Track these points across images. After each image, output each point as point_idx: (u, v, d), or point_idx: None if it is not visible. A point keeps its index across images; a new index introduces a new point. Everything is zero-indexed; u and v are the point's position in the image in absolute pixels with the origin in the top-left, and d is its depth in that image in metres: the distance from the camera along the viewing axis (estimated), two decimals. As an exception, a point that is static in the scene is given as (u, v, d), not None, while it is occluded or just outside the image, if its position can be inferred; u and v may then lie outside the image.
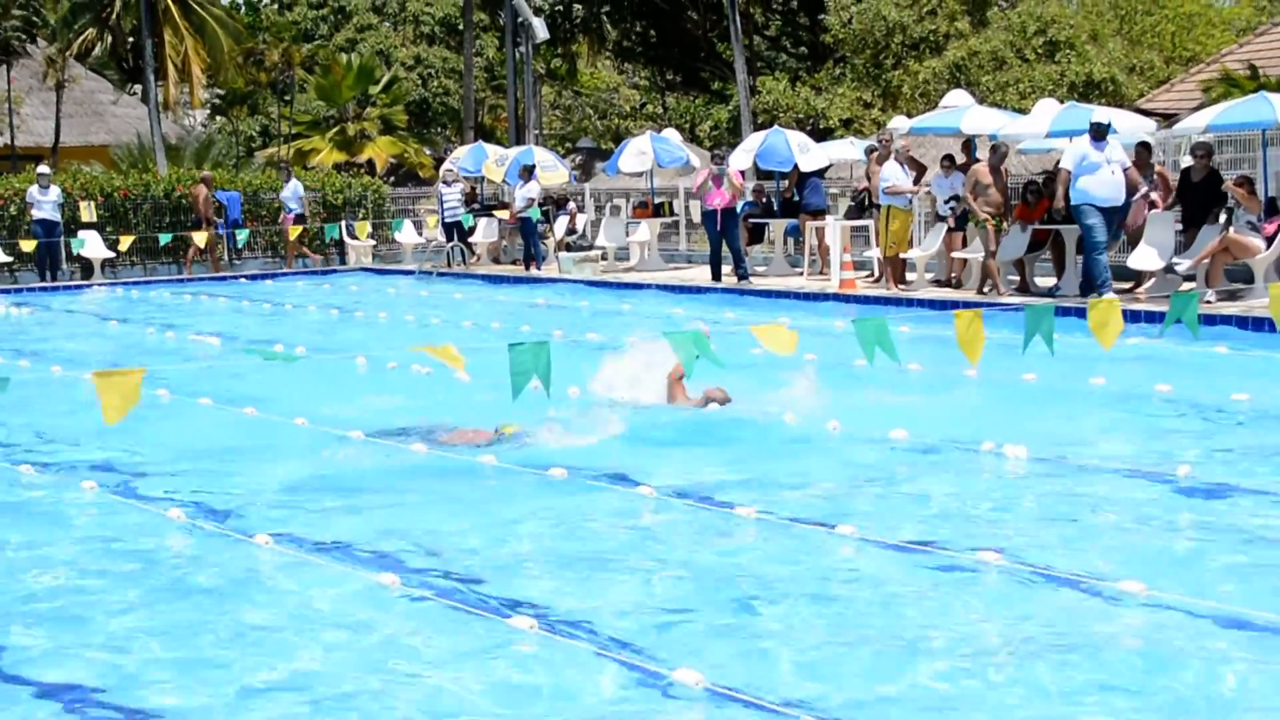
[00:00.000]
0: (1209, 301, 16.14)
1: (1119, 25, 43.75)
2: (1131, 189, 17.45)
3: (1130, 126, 19.57)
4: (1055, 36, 37.39)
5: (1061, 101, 23.06)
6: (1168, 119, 24.91)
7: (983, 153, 20.06)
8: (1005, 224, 18.84)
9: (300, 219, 28.69)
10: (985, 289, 18.89)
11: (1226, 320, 15.52)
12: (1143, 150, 18.59)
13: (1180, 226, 17.97)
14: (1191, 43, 44.31)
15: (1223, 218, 17.43)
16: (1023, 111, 24.70)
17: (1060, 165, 17.58)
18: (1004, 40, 37.37)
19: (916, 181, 20.69)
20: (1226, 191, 17.34)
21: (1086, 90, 35.35)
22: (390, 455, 10.13)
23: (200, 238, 27.69)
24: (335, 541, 7.96)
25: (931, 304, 18.56)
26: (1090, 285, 17.10)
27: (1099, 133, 17.21)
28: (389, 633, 6.40)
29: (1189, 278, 17.62)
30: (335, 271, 29.19)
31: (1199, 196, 17.70)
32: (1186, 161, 18.22)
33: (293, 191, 28.84)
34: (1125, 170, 17.20)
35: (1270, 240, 16.99)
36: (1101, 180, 16.96)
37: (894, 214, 19.87)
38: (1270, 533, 7.75)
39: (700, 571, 7.24)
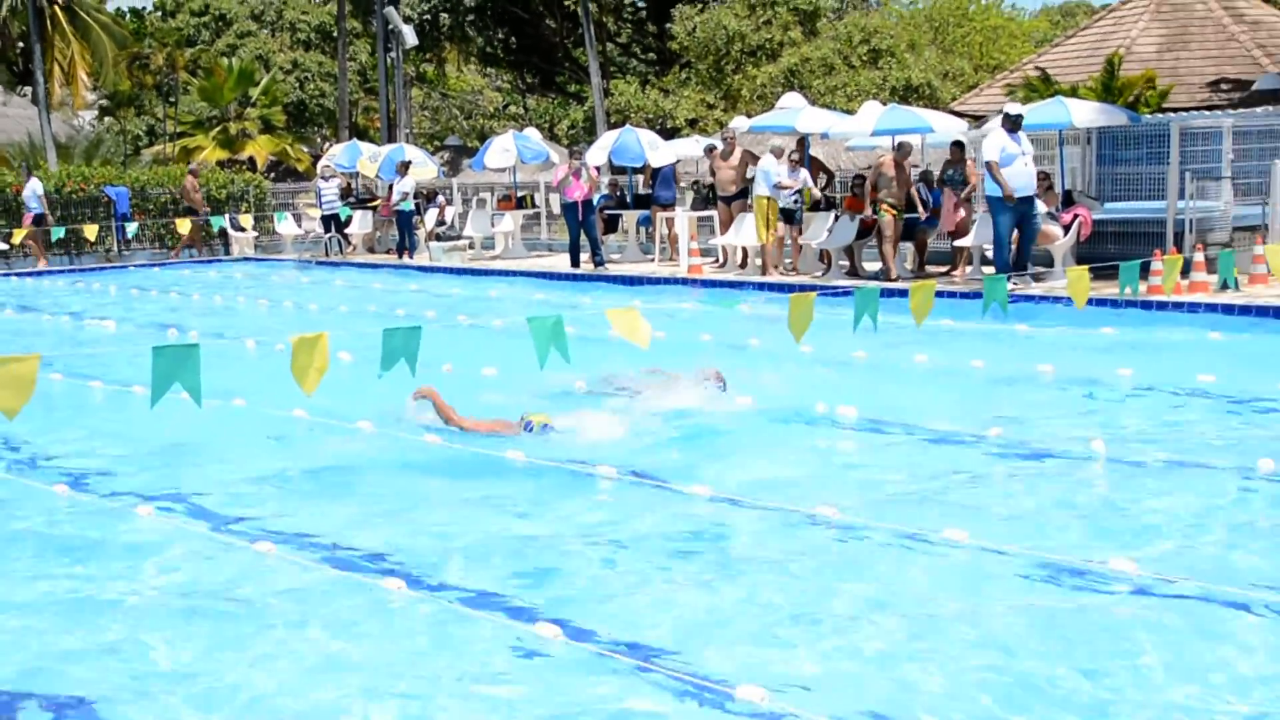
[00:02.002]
0: (1014, 284, 16.48)
1: (933, 36, 44.56)
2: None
3: (945, 126, 19.89)
4: (878, 45, 37.95)
5: (884, 104, 23.40)
6: (977, 120, 25.38)
7: (816, 150, 20.20)
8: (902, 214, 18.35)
9: (39, 219, 26.86)
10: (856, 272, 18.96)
11: (1029, 299, 15.88)
12: (956, 149, 18.88)
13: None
14: (997, 52, 45.29)
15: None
16: (850, 112, 25.01)
17: (985, 158, 16.62)
18: (832, 49, 37.83)
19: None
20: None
21: (906, 94, 35.96)
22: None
23: (184, 225, 27.84)
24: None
25: (782, 288, 18.71)
26: (1021, 265, 16.66)
27: (1015, 124, 16.57)
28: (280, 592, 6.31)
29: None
30: (220, 261, 28.60)
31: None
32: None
33: (31, 191, 26.96)
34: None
35: (1067, 228, 17.44)
36: (1016, 171, 16.39)
37: (772, 206, 19.48)
38: (1070, 482, 7.97)
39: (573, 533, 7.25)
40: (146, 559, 6.93)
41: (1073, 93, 24.52)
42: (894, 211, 18.25)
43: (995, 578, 6.27)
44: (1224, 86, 27.21)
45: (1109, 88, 25.54)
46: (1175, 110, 24.28)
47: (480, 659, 5.45)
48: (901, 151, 18.63)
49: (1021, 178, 16.45)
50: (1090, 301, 14.28)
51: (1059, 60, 30.24)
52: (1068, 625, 5.63)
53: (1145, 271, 14.90)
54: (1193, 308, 14.79)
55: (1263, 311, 14.38)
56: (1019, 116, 16.72)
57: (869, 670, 5.27)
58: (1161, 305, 14.84)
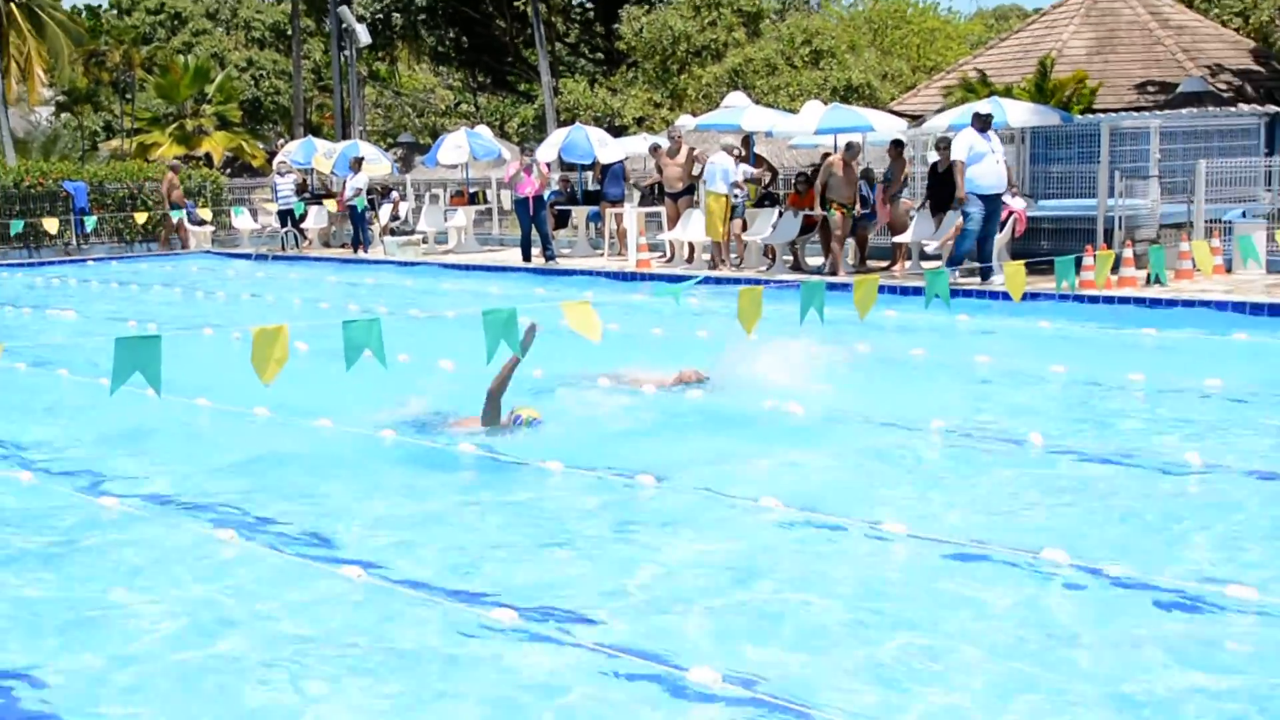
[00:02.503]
0: (953, 278, 16.58)
1: (873, 37, 44.69)
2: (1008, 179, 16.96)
3: (885, 126, 19.98)
4: (819, 46, 38.05)
5: (826, 103, 23.49)
6: (916, 119, 25.54)
7: (760, 147, 20.21)
8: (855, 211, 18.37)
9: None
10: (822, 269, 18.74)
11: (968, 294, 16.01)
12: (894, 148, 18.98)
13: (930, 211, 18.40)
14: (934, 54, 45.49)
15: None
16: (793, 111, 25.07)
17: (953, 157, 16.51)
18: (775, 49, 37.89)
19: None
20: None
21: (846, 94, 36.06)
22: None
23: (148, 218, 28.17)
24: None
25: (737, 281, 18.70)
26: (956, 261, 16.59)
27: (985, 123, 16.43)
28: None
29: (936, 256, 18.11)
30: (178, 255, 28.31)
31: (945, 184, 18.08)
32: (933, 156, 18.57)
33: None
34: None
35: (1002, 225, 17.55)
36: (986, 169, 16.25)
37: (727, 203, 19.42)
38: (1009, 474, 8.04)
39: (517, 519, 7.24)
40: (108, 546, 6.87)
41: (1007, 93, 24.72)
42: (844, 210, 18.29)
43: (928, 566, 6.32)
44: (1150, 89, 27.53)
45: (1041, 89, 25.78)
46: (1104, 111, 24.53)
47: (434, 642, 5.45)
48: (850, 152, 18.66)
49: (991, 175, 16.35)
50: (1026, 295, 14.51)
51: (993, 62, 30.48)
52: (1010, 617, 5.70)
53: (1078, 267, 15.05)
54: (1123, 301, 14.99)
55: (1189, 305, 14.59)
56: (989, 116, 16.71)
57: (815, 655, 5.30)
58: (1093, 299, 15.01)
